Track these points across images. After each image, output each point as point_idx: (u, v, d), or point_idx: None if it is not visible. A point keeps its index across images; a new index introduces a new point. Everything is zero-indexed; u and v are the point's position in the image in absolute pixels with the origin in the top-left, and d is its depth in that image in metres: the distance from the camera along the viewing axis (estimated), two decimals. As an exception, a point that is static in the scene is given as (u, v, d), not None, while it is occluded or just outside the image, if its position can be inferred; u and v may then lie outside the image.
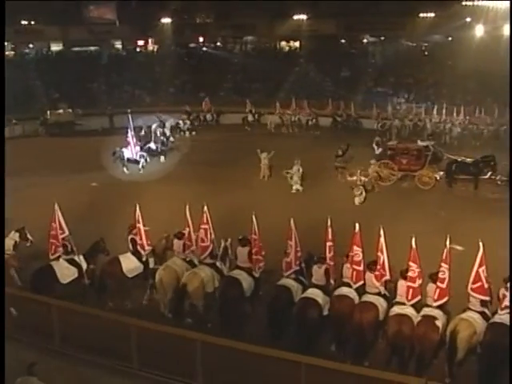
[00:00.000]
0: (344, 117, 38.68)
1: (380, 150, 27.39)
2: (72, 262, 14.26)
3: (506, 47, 42.43)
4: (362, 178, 23.34)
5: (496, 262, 12.81)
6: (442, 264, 11.40)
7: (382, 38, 54.91)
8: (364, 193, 23.05)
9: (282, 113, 39.42)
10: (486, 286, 11.44)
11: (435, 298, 11.60)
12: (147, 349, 11.46)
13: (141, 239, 14.32)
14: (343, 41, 55.51)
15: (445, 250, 11.40)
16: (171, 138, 31.87)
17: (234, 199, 21.85)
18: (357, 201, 22.74)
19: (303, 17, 51.01)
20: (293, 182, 24.42)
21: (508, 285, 11.33)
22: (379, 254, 12.04)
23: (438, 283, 11.51)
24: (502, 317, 11.22)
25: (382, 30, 53.43)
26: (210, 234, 13.74)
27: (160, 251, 14.85)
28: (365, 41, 56.31)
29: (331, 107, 39.86)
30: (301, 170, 24.39)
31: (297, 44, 56.84)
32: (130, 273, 14.45)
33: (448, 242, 11.40)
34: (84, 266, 14.30)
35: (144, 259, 14.59)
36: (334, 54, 50.54)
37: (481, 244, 11.31)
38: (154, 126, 32.75)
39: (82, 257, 14.35)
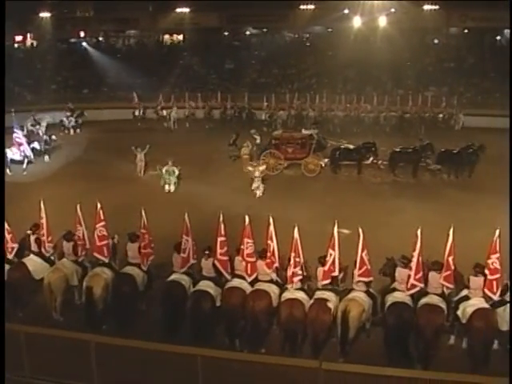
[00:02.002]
0: (236, 108, 38.62)
1: (257, 140, 27.72)
2: None
3: (382, 37, 44.28)
4: (261, 168, 23.27)
5: (380, 241, 13.47)
6: (329, 250, 11.84)
7: (265, 30, 55.48)
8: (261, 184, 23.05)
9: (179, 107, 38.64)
10: (369, 268, 11.92)
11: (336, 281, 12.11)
12: (37, 355, 11.06)
13: (47, 237, 13.87)
14: (226, 33, 55.59)
15: (332, 236, 11.79)
16: (53, 137, 30.81)
17: (117, 196, 21.44)
18: (258, 193, 22.79)
19: (186, 10, 50.65)
20: (166, 180, 23.54)
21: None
22: (269, 241, 12.24)
23: (328, 266, 11.90)
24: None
25: (264, 22, 53.89)
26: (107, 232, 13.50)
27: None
28: (248, 33, 56.67)
29: (220, 99, 39.75)
30: (176, 171, 23.50)
31: (180, 37, 56.38)
32: (38, 275, 13.80)
33: (336, 227, 11.76)
34: None
35: (49, 258, 14.12)
36: (218, 47, 50.62)
37: (360, 230, 11.73)
38: (28, 125, 31.63)
39: None
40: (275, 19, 51.90)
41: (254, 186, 22.76)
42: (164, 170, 23.45)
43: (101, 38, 56.02)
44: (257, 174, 22.75)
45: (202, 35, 51.42)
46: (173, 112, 37.64)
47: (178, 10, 50.78)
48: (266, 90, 41.33)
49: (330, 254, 11.89)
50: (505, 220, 17.83)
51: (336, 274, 12.08)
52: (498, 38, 51.75)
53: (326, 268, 11.96)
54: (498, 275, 11.41)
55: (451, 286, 11.89)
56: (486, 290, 11.55)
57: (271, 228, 12.18)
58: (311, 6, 48.77)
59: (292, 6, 49.40)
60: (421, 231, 11.47)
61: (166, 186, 23.45)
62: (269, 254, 12.36)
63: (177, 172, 23.48)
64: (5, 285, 12.98)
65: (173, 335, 12.18)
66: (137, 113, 38.60)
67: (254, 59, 47.83)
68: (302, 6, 49.23)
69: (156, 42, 55.52)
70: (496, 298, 11.56)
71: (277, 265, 12.45)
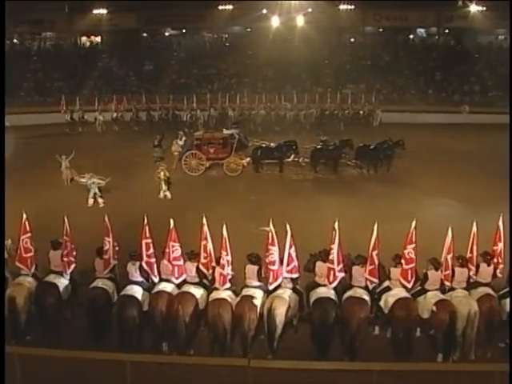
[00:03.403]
0: (163, 110, 38.15)
1: (182, 141, 27.54)
2: None
3: (300, 37, 44.95)
4: (167, 173, 22.88)
5: (304, 237, 13.62)
6: (270, 247, 11.73)
7: (184, 31, 55.30)
8: (167, 187, 22.78)
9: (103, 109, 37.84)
10: (296, 264, 11.99)
11: (270, 281, 11.93)
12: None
13: None
14: (145, 34, 55.07)
15: (269, 234, 11.74)
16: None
17: (40, 203, 20.66)
18: (161, 194, 22.54)
19: (103, 11, 49.87)
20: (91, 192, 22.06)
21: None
22: (204, 242, 12.05)
23: (270, 266, 11.80)
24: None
25: (182, 23, 53.70)
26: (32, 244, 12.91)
27: None
28: (167, 34, 56.31)
29: (145, 101, 39.18)
30: (96, 182, 22.04)
31: (98, 39, 55.47)
32: None
33: (272, 226, 11.70)
34: None
35: None
36: (137, 48, 50.13)
37: (288, 227, 11.74)
38: None
39: None
40: (194, 20, 51.80)
41: (164, 187, 22.66)
42: (89, 181, 22.07)
43: (15, 41, 54.33)
44: (161, 175, 22.65)
45: (121, 36, 50.76)
46: (99, 115, 36.91)
47: (95, 11, 49.90)
48: (187, 90, 41.20)
49: (272, 254, 11.87)
50: (422, 211, 18.53)
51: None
52: (411, 36, 53.47)
53: (276, 267, 11.93)
54: (412, 264, 11.74)
55: (375, 280, 12.11)
56: (401, 279, 11.86)
57: (205, 228, 12.03)
58: (229, 7, 48.94)
59: (210, 7, 49.40)
60: (338, 224, 11.61)
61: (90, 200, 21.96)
62: (205, 255, 12.20)
63: (102, 182, 22.23)
64: None
65: (100, 342, 11.94)
66: (67, 117, 37.38)
67: (174, 60, 47.61)
68: (220, 7, 49.33)
69: (73, 44, 54.36)
70: (410, 286, 11.89)
71: (214, 264, 12.37)
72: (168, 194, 22.61)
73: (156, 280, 12.54)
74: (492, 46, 49.44)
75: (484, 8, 45.33)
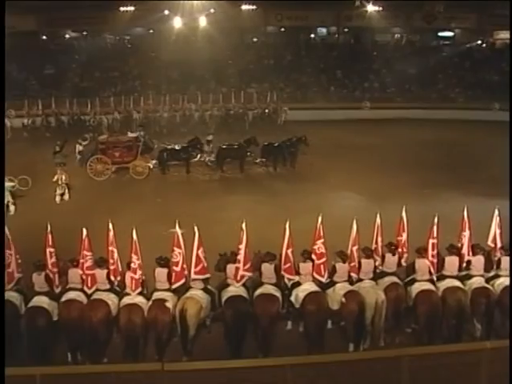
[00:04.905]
0: (72, 115, 37.03)
1: (82, 147, 26.93)
2: None
3: (203, 37, 44.91)
4: (63, 177, 22.33)
5: (213, 238, 13.63)
6: (175, 248, 11.66)
7: (85, 33, 54.02)
8: (67, 191, 22.36)
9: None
10: (205, 265, 11.94)
11: (173, 281, 11.87)
12: None
13: None
14: (44, 37, 53.39)
15: (175, 235, 11.67)
16: None
17: None
18: (58, 199, 22.03)
19: None
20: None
21: None
22: (111, 248, 11.81)
23: (174, 267, 11.77)
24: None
25: (83, 25, 52.22)
26: None
27: None
28: (67, 36, 54.83)
29: (54, 106, 37.56)
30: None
31: (-6, 42, 53.38)
32: None
33: (178, 228, 11.69)
34: None
35: None
36: (36, 51, 48.54)
37: (196, 228, 11.68)
38: None
39: None
40: (95, 22, 50.49)
41: (59, 191, 22.13)
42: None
43: None
44: (59, 180, 22.11)
45: (19, 39, 48.90)
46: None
47: (-11, 13, 47.95)
48: (90, 94, 40.30)
49: (176, 256, 11.82)
50: (328, 206, 18.95)
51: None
52: (312, 35, 54.48)
53: (179, 268, 11.87)
54: (324, 259, 11.99)
55: (292, 277, 12.27)
56: (315, 274, 12.08)
57: (111, 234, 11.77)
58: (131, 8, 48.16)
59: (111, 8, 48.31)
60: (246, 224, 11.70)
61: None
62: (112, 261, 11.93)
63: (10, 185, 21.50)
64: None
65: (10, 357, 11.48)
66: None
67: (75, 63, 46.32)
68: (121, 8, 48.34)
69: (-34, 47, 52.08)
70: (324, 280, 12.13)
71: (121, 270, 12.12)
72: (66, 197, 22.12)
73: (57, 289, 12.21)
74: (389, 44, 51.21)
75: (381, 8, 46.78)
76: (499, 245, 12.76)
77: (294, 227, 12.24)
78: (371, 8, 46.84)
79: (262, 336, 11.72)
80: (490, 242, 12.93)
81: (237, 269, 12.00)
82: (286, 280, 12.39)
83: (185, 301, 11.72)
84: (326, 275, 12.14)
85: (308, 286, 12.06)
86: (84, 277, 12.03)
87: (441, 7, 44.82)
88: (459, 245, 12.61)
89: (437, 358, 9.70)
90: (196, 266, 11.88)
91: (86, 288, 12.06)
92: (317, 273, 12.09)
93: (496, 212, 12.79)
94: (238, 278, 12.02)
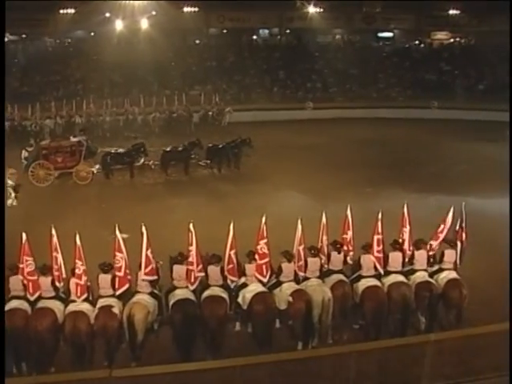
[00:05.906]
0: (9, 121, 35.26)
1: (27, 153, 26.23)
2: None
3: (145, 39, 44.57)
4: (9, 182, 21.99)
5: (160, 241, 13.56)
6: (117, 253, 11.57)
7: (24, 36, 52.88)
8: (13, 194, 21.93)
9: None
10: (154, 266, 11.90)
11: (117, 287, 11.76)
12: None
13: None
14: (-20, 41, 52.11)
15: (116, 240, 11.59)
16: None
17: None
18: (9, 202, 21.62)
19: None
20: None
21: None
22: (55, 253, 11.64)
23: (117, 272, 11.67)
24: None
25: (22, 28, 51.08)
26: None
27: None
28: (5, 39, 53.60)
29: None
30: None
31: None
32: None
33: (118, 232, 11.58)
34: None
35: None
36: (-28, 56, 47.35)
37: (144, 229, 11.64)
38: None
39: None
40: (34, 24, 49.37)
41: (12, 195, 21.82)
42: None
43: None
44: (9, 182, 21.81)
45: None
46: None
47: None
48: (31, 98, 39.39)
49: (118, 260, 11.70)
50: (273, 206, 19.10)
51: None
52: (255, 37, 54.77)
53: (122, 273, 11.78)
54: (266, 259, 12.07)
55: (235, 278, 12.34)
56: (257, 274, 12.14)
57: (54, 239, 11.58)
58: (71, 10, 47.41)
59: (51, 10, 47.42)
60: (193, 225, 11.72)
61: None
62: (56, 267, 11.75)
63: None
64: None
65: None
66: None
67: (15, 67, 45.27)
68: (61, 10, 47.52)
69: None
70: (265, 280, 12.22)
71: (64, 276, 11.95)
72: (15, 202, 21.73)
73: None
74: (330, 45, 51.86)
75: (322, 9, 47.43)
76: (441, 238, 13.18)
77: (240, 228, 12.32)
78: (312, 9, 47.50)
79: (211, 338, 11.75)
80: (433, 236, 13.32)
81: (189, 270, 11.98)
82: (229, 281, 12.44)
83: (132, 306, 11.63)
84: (268, 275, 12.23)
85: (255, 287, 12.13)
86: (25, 282, 11.77)
87: (378, 7, 45.86)
88: (400, 240, 12.93)
89: (384, 352, 9.94)
90: (146, 267, 11.78)
91: (28, 295, 11.80)
92: (259, 273, 12.15)
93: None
94: (192, 279, 12.00)
